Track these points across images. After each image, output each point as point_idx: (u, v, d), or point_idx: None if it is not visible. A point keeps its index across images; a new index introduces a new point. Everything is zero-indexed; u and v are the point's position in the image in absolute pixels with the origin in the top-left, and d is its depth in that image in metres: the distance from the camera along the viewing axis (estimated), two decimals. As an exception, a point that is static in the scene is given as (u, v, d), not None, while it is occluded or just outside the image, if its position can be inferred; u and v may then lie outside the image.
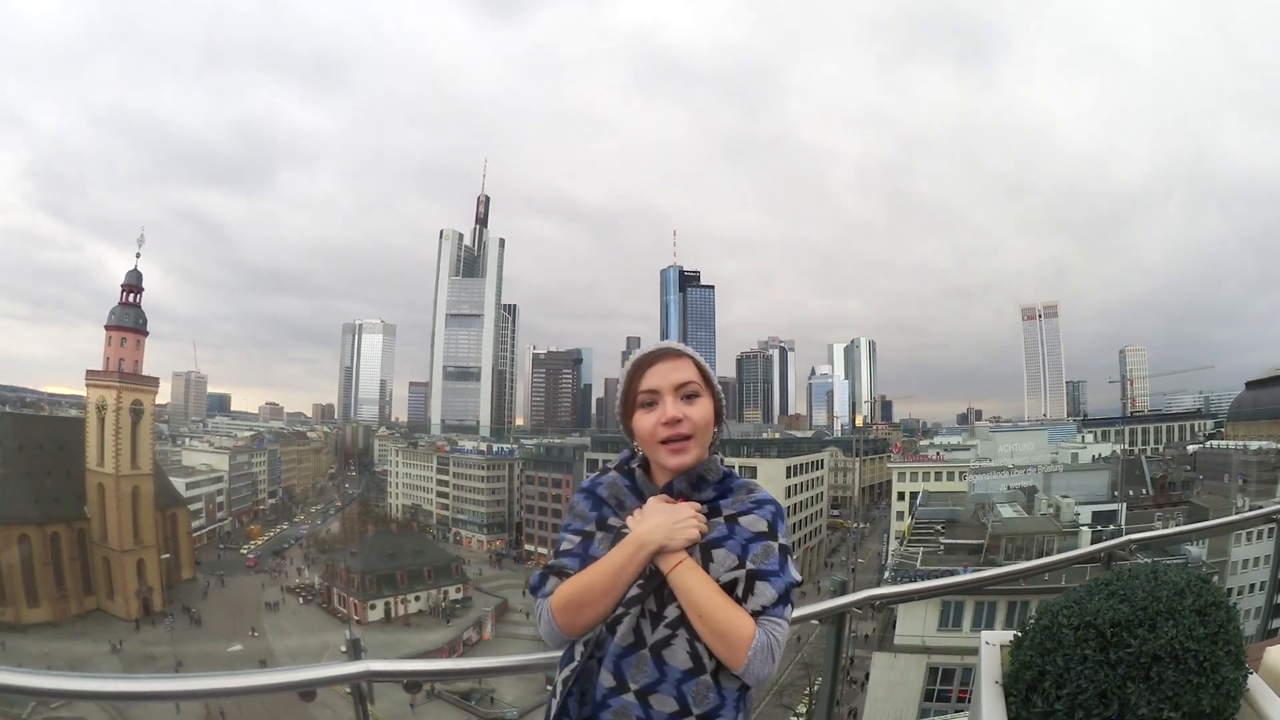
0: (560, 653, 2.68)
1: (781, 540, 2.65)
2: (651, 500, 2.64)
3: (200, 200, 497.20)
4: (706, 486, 2.74)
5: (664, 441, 2.66)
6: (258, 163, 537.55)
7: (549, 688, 2.79)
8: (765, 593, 2.51)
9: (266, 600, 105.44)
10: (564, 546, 2.74)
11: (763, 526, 2.63)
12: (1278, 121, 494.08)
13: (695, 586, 2.46)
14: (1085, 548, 6.28)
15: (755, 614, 2.48)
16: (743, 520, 2.64)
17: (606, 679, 2.50)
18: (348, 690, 3.76)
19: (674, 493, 2.70)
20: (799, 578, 2.64)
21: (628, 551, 2.53)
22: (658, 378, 2.67)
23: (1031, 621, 2.81)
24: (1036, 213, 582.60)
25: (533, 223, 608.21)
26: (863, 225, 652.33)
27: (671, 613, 2.52)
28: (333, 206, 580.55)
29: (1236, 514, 10.80)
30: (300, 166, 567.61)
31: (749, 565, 2.55)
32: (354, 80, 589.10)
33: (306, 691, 3.60)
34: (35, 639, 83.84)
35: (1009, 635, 3.02)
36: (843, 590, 4.72)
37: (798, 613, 4.03)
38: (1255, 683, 2.69)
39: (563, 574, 2.68)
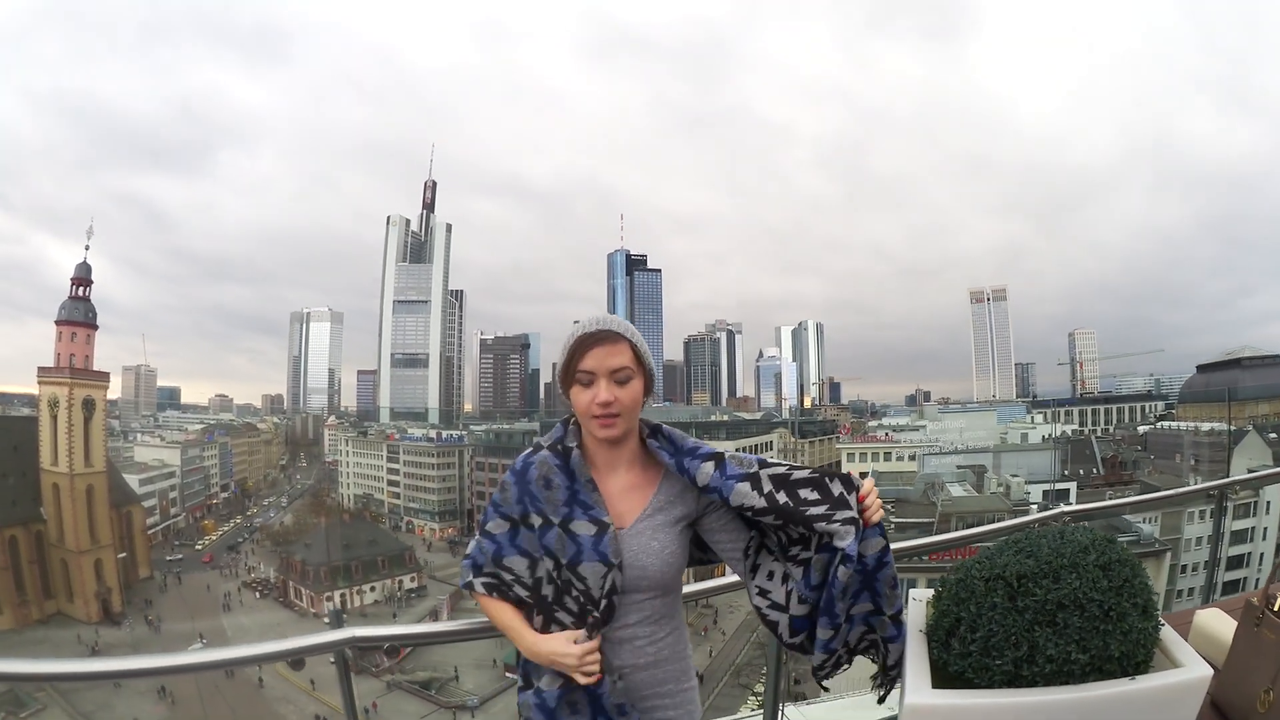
0: None
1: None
2: (560, 638, 2.89)
3: (141, 185, 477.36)
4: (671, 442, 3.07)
5: (595, 417, 2.92)
6: (197, 143, 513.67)
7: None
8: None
9: (223, 596, 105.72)
10: (489, 527, 3.04)
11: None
12: (1244, 107, 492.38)
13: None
14: (1021, 519, 6.56)
15: None
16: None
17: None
18: (331, 660, 3.85)
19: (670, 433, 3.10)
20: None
21: (521, 642, 2.96)
22: (595, 360, 2.89)
23: (949, 577, 3.11)
24: (995, 193, 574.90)
25: (480, 203, 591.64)
26: (817, 203, 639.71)
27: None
28: (275, 188, 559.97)
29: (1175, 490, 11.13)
30: (241, 146, 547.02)
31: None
32: (295, 52, 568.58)
33: (296, 660, 3.79)
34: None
35: (931, 592, 3.33)
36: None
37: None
38: (1168, 634, 2.94)
39: (481, 574, 3.05)
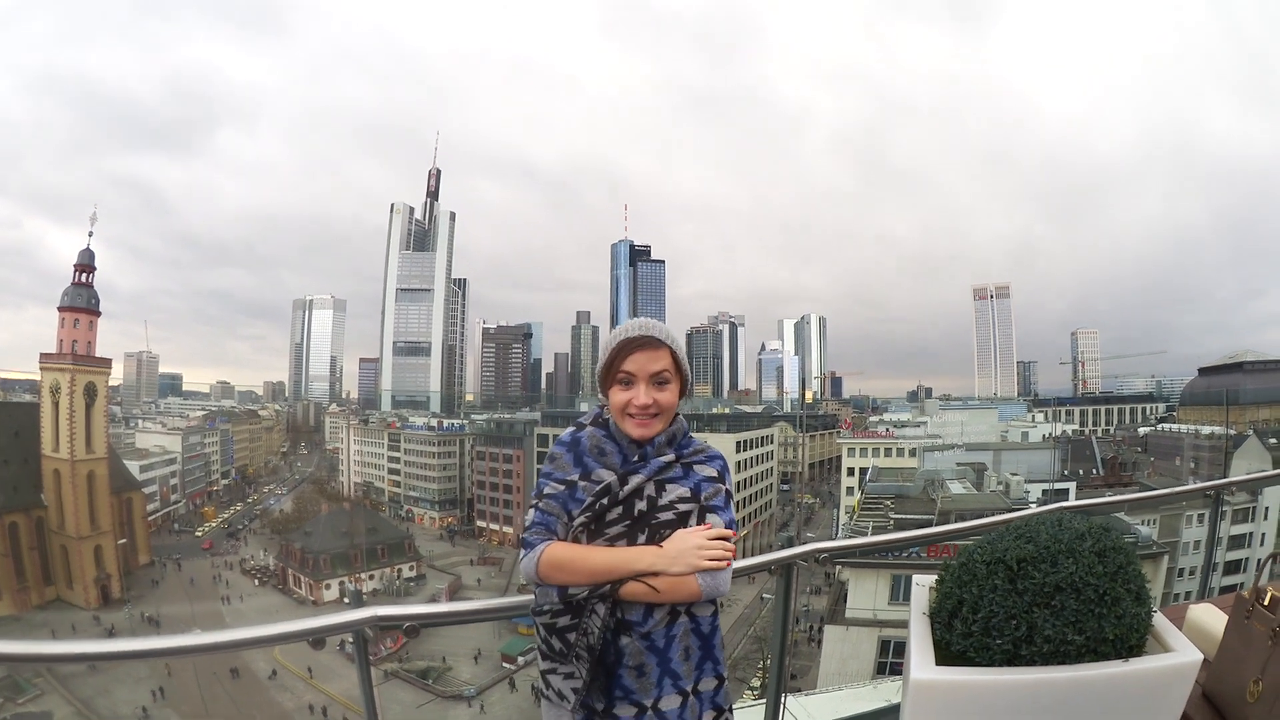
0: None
1: (726, 486, 3.18)
2: (680, 531, 2.98)
3: (138, 167, 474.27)
4: (676, 441, 3.20)
5: (632, 416, 3.10)
6: (194, 122, 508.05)
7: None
8: (715, 522, 3.02)
9: (218, 582, 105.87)
10: (546, 491, 3.09)
11: (713, 473, 3.16)
12: (1266, 106, 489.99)
13: (638, 592, 2.87)
14: (1021, 512, 6.69)
15: None
16: (696, 467, 3.16)
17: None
18: (350, 640, 3.97)
19: (654, 447, 3.13)
20: (736, 518, 3.19)
21: (624, 558, 2.90)
22: (636, 365, 3.07)
23: (952, 562, 3.28)
24: (1010, 187, 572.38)
25: (485, 185, 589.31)
26: (829, 192, 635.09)
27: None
28: (275, 171, 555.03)
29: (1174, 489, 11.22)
30: (239, 125, 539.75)
31: (702, 501, 3.06)
32: (294, 27, 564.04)
33: (317, 640, 3.87)
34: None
35: (934, 577, 3.49)
36: (790, 544, 5.21)
37: (751, 562, 4.58)
38: (1161, 621, 3.09)
39: (551, 532, 3.02)
